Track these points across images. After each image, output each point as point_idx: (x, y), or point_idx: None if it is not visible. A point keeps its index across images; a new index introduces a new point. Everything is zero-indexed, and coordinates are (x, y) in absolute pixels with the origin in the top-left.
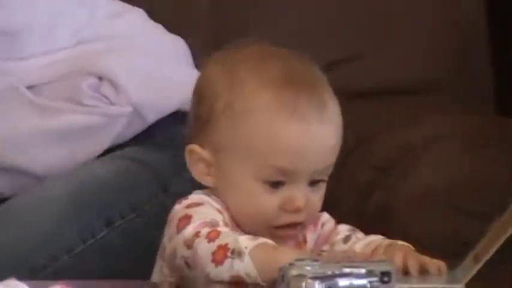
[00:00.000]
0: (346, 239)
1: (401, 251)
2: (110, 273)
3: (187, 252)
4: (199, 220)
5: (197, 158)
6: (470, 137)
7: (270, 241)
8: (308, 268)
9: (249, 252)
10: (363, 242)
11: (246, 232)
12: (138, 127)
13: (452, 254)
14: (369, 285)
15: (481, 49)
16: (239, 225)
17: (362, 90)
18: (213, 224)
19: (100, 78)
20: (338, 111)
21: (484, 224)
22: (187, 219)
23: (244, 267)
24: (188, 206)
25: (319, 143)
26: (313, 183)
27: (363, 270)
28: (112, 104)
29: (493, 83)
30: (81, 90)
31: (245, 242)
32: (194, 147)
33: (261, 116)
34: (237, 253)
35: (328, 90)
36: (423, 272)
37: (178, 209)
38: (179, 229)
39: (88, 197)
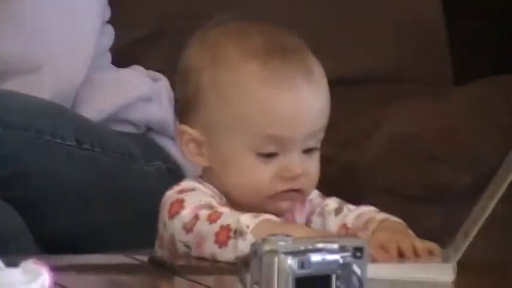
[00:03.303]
0: (338, 211)
1: (394, 235)
2: None
3: (186, 237)
4: (193, 203)
5: (188, 138)
6: (432, 100)
7: (273, 217)
8: (281, 243)
9: (252, 231)
10: (354, 213)
11: (245, 209)
12: None
13: (423, 199)
14: (341, 261)
15: (440, 38)
16: (234, 207)
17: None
18: (210, 206)
19: None
20: (323, 74)
21: (452, 169)
22: (179, 203)
23: (247, 246)
24: (180, 192)
25: (309, 108)
26: (306, 151)
27: (335, 246)
28: None
29: (452, 69)
30: None
31: (247, 220)
32: (184, 127)
33: (250, 86)
34: (239, 233)
35: (312, 56)
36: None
37: (170, 194)
38: (172, 214)
39: None
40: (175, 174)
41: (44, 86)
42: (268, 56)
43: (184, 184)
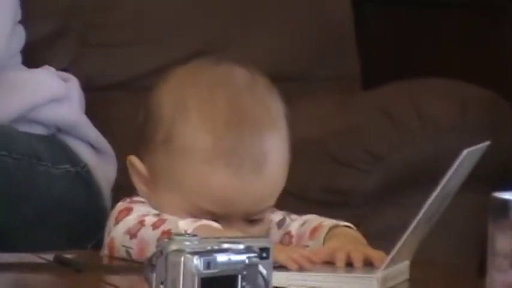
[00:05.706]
0: (280, 224)
1: (345, 242)
2: None
3: (129, 242)
4: (141, 211)
5: (136, 171)
6: (338, 103)
7: (212, 222)
8: (187, 243)
9: None
10: (298, 222)
11: None
12: None
13: (327, 204)
14: (247, 261)
15: (348, 38)
16: None
17: None
18: (157, 214)
19: None
20: (280, 161)
21: (357, 173)
22: (127, 210)
23: None
24: (130, 202)
25: (252, 196)
26: (249, 221)
27: (241, 246)
28: None
29: (359, 66)
30: None
31: (185, 225)
32: (135, 161)
33: (196, 159)
34: None
35: (276, 135)
36: (367, 263)
37: (120, 204)
38: (118, 220)
39: None
40: (84, 178)
41: None
42: (221, 132)
43: (137, 198)
